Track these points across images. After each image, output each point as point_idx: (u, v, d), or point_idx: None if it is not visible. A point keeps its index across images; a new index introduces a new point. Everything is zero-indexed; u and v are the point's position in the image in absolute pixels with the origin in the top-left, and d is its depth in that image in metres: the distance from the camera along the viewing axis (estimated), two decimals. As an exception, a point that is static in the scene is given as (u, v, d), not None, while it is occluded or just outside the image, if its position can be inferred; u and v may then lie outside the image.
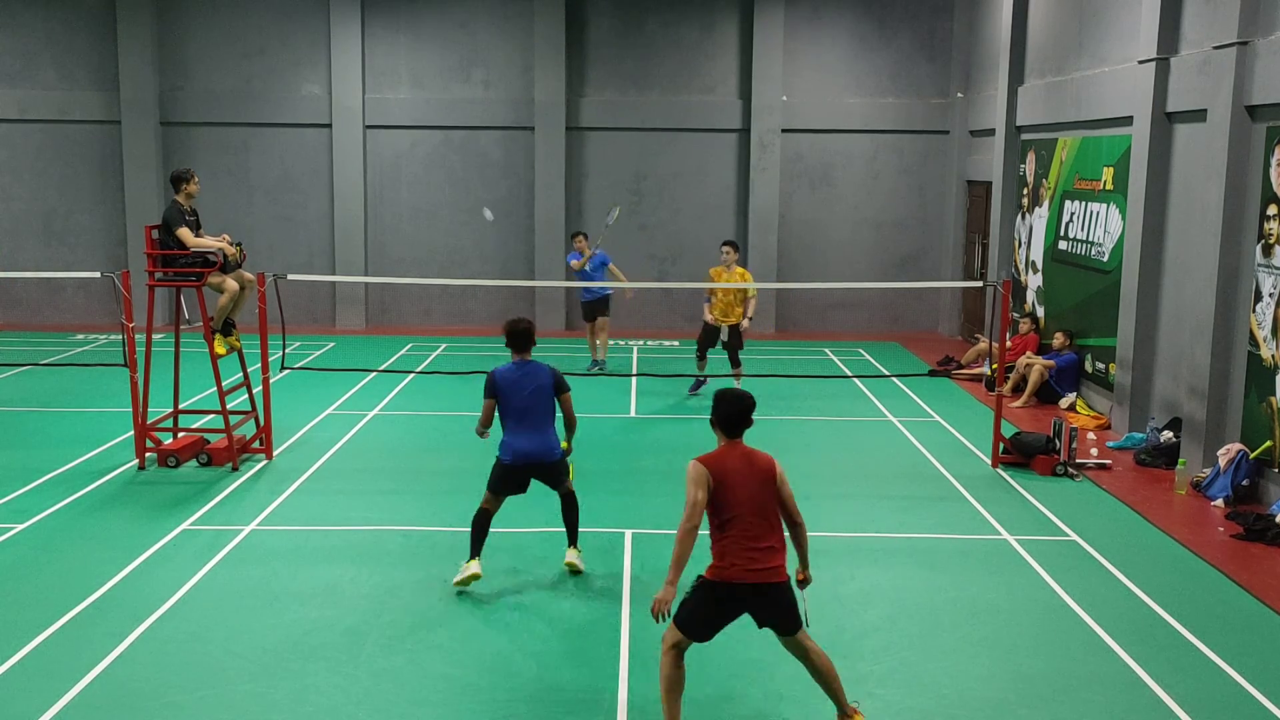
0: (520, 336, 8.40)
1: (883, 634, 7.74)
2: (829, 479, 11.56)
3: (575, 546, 8.78)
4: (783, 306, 21.73)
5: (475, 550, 8.39)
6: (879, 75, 21.33)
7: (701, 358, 15.15)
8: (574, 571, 8.74)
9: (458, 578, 8.34)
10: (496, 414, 8.41)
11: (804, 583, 6.34)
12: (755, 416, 6.26)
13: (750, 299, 14.88)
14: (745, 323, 14.87)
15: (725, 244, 14.91)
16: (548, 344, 19.20)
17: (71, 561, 8.92)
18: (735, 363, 14.90)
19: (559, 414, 8.49)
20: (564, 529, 8.84)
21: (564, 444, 8.52)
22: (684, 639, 6.09)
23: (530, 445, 8.32)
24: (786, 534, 6.20)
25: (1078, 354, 15.24)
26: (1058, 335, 15.48)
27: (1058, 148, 16.18)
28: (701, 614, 6.07)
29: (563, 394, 8.43)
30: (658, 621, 5.99)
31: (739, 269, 14.93)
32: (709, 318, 14.90)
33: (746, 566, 5.95)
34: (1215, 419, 11.53)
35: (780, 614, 6.07)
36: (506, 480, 8.44)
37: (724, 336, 14.89)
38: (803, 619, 6.15)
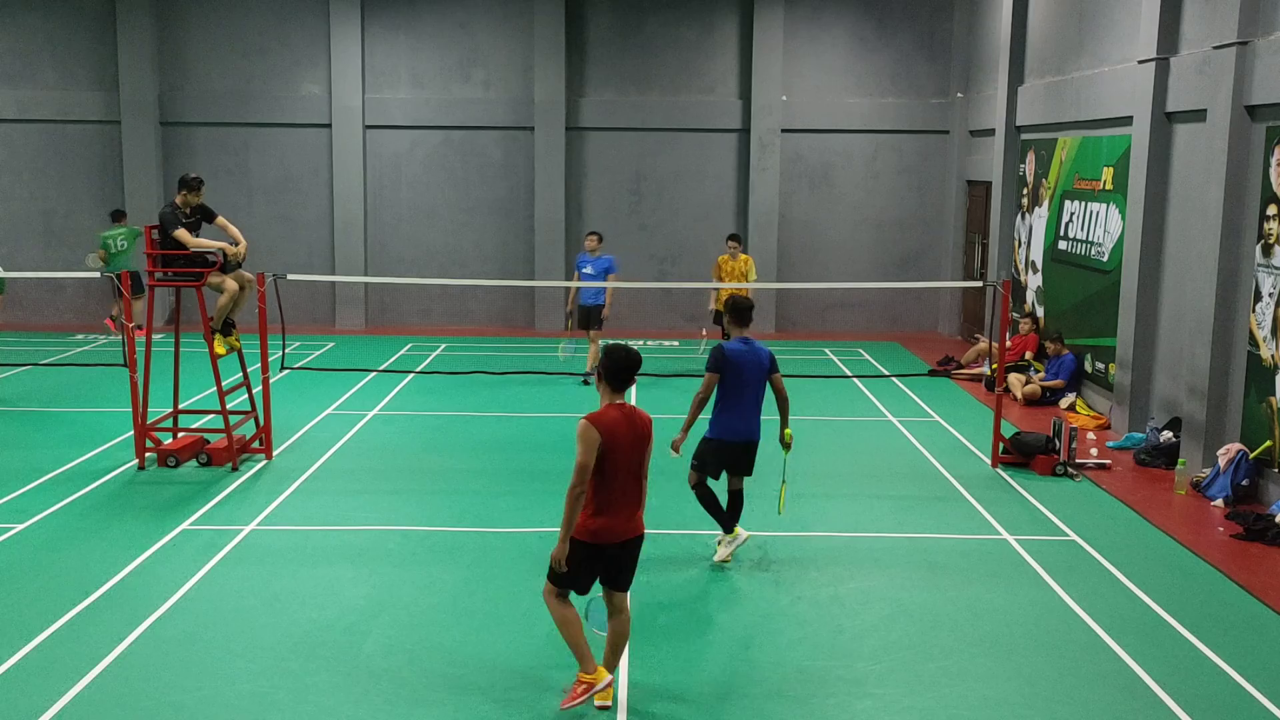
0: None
1: (882, 634, 7.75)
2: (829, 479, 11.57)
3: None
4: (783, 306, 21.72)
5: None
6: (879, 75, 21.33)
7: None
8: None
9: None
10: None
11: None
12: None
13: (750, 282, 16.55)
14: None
15: (730, 238, 16.87)
16: (548, 344, 19.21)
17: (71, 561, 8.92)
18: None
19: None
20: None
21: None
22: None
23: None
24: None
25: (1075, 354, 15.23)
26: (1049, 343, 15.47)
27: (1057, 148, 16.18)
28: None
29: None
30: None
31: (744, 256, 16.58)
32: (714, 308, 16.58)
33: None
34: (1215, 419, 11.53)
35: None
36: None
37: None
38: None
